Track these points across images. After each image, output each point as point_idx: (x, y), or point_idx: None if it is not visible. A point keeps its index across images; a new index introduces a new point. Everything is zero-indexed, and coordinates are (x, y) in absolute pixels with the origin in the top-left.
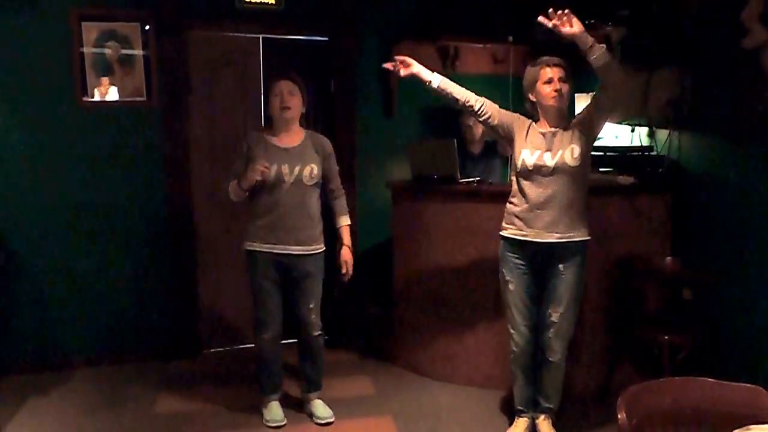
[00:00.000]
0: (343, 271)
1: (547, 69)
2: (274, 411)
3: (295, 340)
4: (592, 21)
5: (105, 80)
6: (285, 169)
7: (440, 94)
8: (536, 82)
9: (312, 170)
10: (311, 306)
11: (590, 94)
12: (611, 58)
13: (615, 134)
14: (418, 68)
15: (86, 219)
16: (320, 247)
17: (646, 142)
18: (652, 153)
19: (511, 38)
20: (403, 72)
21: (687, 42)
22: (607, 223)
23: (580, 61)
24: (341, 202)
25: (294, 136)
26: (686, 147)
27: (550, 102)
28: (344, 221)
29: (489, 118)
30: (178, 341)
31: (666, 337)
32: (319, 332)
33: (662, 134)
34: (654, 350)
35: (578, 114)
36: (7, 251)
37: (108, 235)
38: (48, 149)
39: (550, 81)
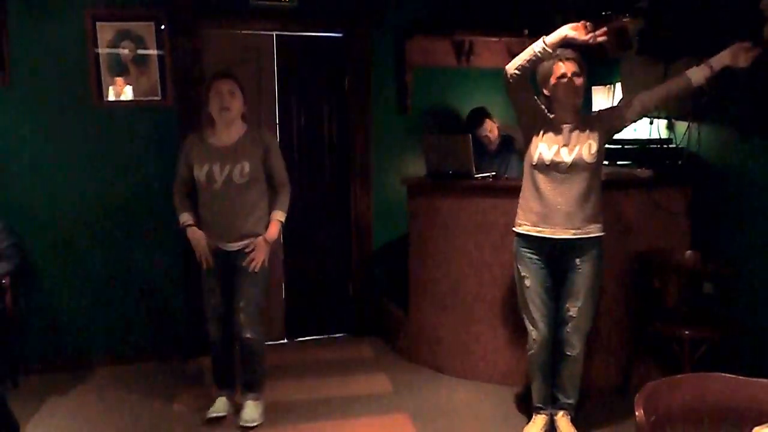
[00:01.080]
0: (247, 251)
1: (561, 64)
2: (216, 405)
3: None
4: (609, 12)
5: (120, 80)
6: (216, 169)
7: (539, 61)
8: (550, 76)
9: (243, 168)
10: (241, 305)
11: (608, 86)
12: (695, 86)
13: (633, 127)
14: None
15: (102, 218)
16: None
17: (664, 134)
18: (671, 145)
19: (526, 31)
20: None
21: (706, 32)
22: (625, 217)
23: (594, 55)
24: (281, 198)
25: (233, 134)
26: (706, 139)
27: (563, 98)
28: (276, 215)
29: (534, 100)
30: (195, 340)
31: (686, 332)
32: (251, 335)
33: (681, 126)
34: (674, 345)
35: (600, 111)
36: (24, 252)
37: (124, 234)
38: (63, 149)
39: (563, 76)
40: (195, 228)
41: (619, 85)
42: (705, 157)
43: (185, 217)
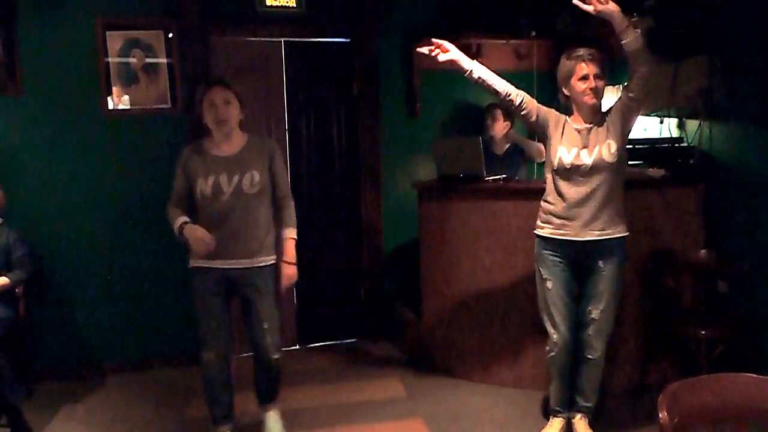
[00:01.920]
0: (282, 285)
1: (583, 65)
2: None
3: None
4: None
5: (115, 89)
6: (223, 179)
7: (480, 85)
8: (571, 77)
9: (253, 177)
10: (265, 326)
11: (618, 86)
12: (644, 44)
13: (643, 126)
14: (457, 54)
15: (113, 226)
16: (268, 260)
17: (675, 133)
18: (682, 144)
19: (534, 33)
20: (441, 57)
21: (716, 31)
22: (638, 217)
23: (608, 54)
24: (288, 212)
25: (234, 143)
26: (717, 137)
27: (585, 99)
28: (289, 233)
29: (528, 113)
30: (194, 345)
31: (702, 332)
32: (277, 355)
33: (692, 125)
34: (690, 345)
35: (610, 107)
36: (37, 260)
37: (135, 242)
38: (75, 158)
39: (585, 78)
40: (193, 225)
41: None
42: (717, 156)
43: (180, 220)
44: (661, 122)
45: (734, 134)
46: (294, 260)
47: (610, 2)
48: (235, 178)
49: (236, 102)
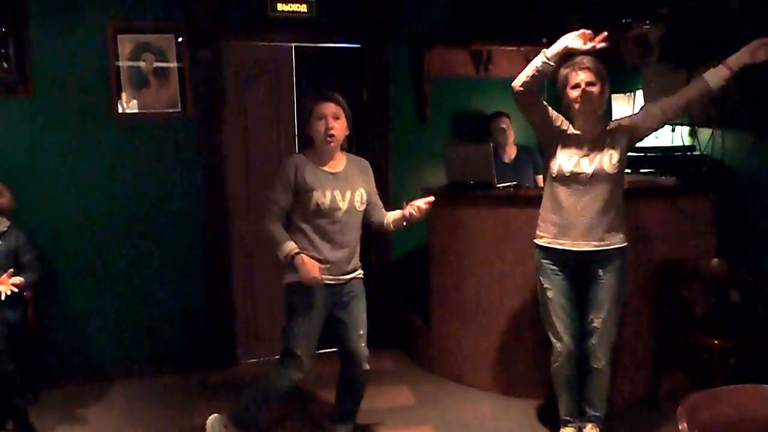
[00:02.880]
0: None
1: (574, 73)
2: None
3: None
4: (629, 20)
5: (126, 93)
6: (338, 195)
7: (543, 75)
8: (566, 86)
9: (362, 195)
10: (361, 332)
11: (629, 94)
12: (715, 90)
13: (655, 134)
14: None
15: (122, 230)
16: (361, 272)
17: (687, 141)
18: (694, 152)
19: (544, 39)
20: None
21: (729, 38)
22: (650, 226)
23: (615, 62)
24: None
25: (339, 160)
26: (730, 146)
27: (576, 107)
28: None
29: (546, 111)
30: (216, 352)
31: (715, 342)
32: (368, 367)
33: (704, 133)
34: (703, 356)
35: (621, 119)
36: (45, 264)
37: (145, 246)
38: (85, 161)
39: (577, 86)
40: (305, 256)
41: (639, 93)
42: (729, 164)
43: (290, 246)
44: (673, 130)
45: (747, 143)
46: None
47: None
48: (348, 195)
49: (344, 118)
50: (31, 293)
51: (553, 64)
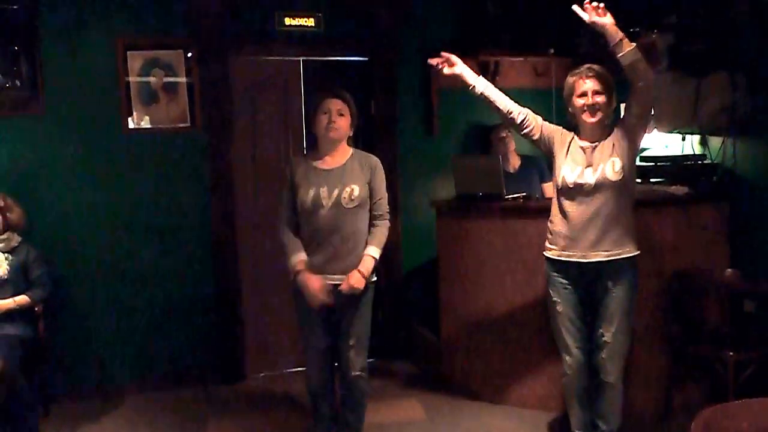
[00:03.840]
0: (342, 286)
1: (581, 81)
2: None
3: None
4: (637, 29)
5: (136, 109)
6: (323, 192)
7: (483, 101)
8: (573, 93)
9: (352, 192)
10: (351, 343)
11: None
12: (639, 57)
13: (665, 143)
14: (461, 69)
15: (133, 245)
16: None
17: (698, 150)
18: (705, 161)
19: (552, 50)
20: (446, 71)
21: (738, 46)
22: (662, 236)
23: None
24: (378, 230)
25: (339, 157)
26: (742, 154)
27: (583, 117)
28: (370, 251)
29: (531, 131)
30: (225, 366)
31: (730, 354)
32: (359, 372)
33: (715, 142)
34: (717, 368)
35: (615, 124)
36: (56, 279)
37: (154, 261)
38: (96, 176)
39: (584, 94)
40: (309, 274)
41: None
42: (741, 173)
43: (296, 261)
44: (683, 139)
45: (759, 151)
46: (366, 272)
47: (607, 14)
48: (335, 192)
49: (349, 116)
50: (42, 308)
51: (475, 89)
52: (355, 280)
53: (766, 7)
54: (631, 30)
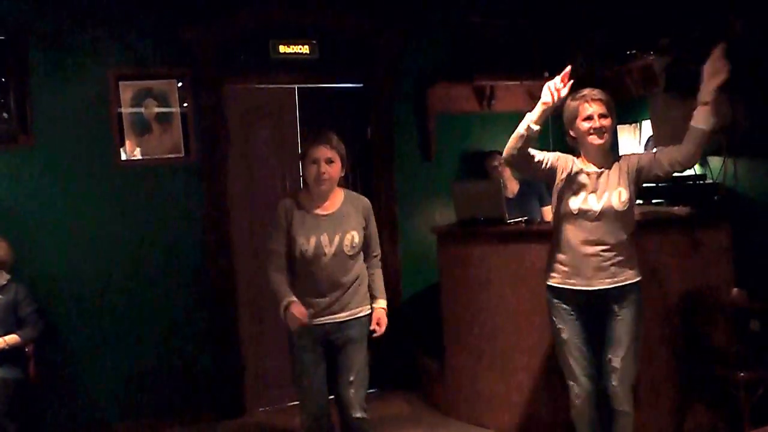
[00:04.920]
0: (375, 328)
1: (586, 105)
2: None
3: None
4: (634, 51)
5: (129, 139)
6: (324, 239)
7: (530, 139)
8: (576, 118)
9: (353, 238)
10: (351, 379)
11: (634, 125)
12: (707, 132)
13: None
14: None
15: (126, 280)
16: (363, 310)
17: (698, 170)
18: (705, 181)
19: (547, 74)
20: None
21: (736, 67)
22: (665, 257)
23: (622, 94)
24: (378, 277)
25: (333, 201)
26: (743, 174)
27: (590, 140)
28: (380, 304)
29: (542, 162)
30: (223, 401)
31: (741, 374)
32: (361, 414)
33: (715, 162)
34: (728, 389)
35: (631, 157)
36: (46, 317)
37: (148, 293)
38: (87, 209)
39: (590, 118)
40: (298, 303)
41: (646, 123)
42: (743, 192)
43: (285, 301)
44: None
45: (759, 171)
46: (385, 318)
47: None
48: (337, 238)
49: (339, 160)
50: (33, 348)
51: (540, 126)
52: (382, 320)
53: (762, 28)
54: (628, 52)
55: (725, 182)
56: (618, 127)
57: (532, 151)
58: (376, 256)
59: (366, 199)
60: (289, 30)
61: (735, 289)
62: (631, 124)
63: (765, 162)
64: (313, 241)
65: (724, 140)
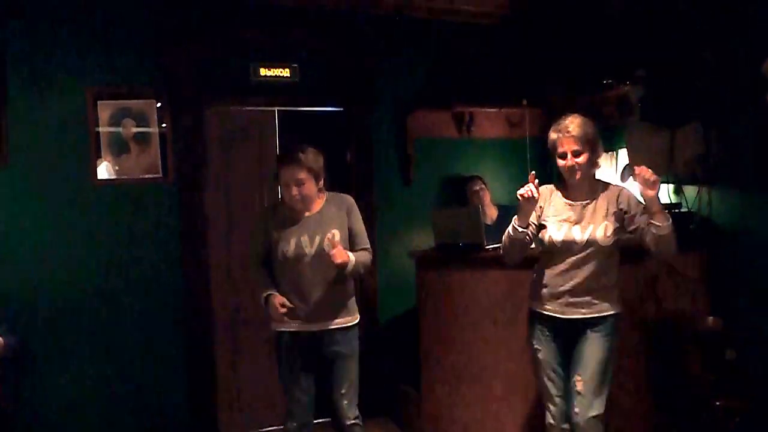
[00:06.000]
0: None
1: (563, 140)
2: None
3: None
4: (610, 81)
5: (106, 159)
6: (305, 240)
7: (523, 234)
8: (554, 151)
9: (334, 236)
10: (343, 391)
11: (612, 153)
12: (668, 234)
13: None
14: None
15: (99, 298)
16: (351, 320)
17: (674, 199)
18: (681, 210)
19: (525, 101)
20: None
21: (709, 98)
22: (642, 284)
23: (598, 123)
24: (361, 252)
25: (313, 206)
26: (717, 202)
27: (566, 176)
28: (351, 255)
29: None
30: (198, 426)
31: (717, 403)
32: (354, 421)
33: (690, 191)
34: (704, 416)
35: (623, 196)
36: (18, 338)
37: (122, 314)
38: (63, 230)
39: (563, 155)
40: (278, 295)
41: (622, 152)
42: (717, 221)
43: (266, 291)
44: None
45: (734, 199)
46: (347, 255)
47: (655, 188)
48: (317, 239)
49: (311, 178)
50: (2, 370)
51: (525, 227)
52: (339, 254)
53: (734, 59)
54: (604, 81)
55: (700, 211)
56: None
57: (526, 240)
58: (365, 249)
59: (348, 197)
60: (270, 53)
61: (710, 318)
62: (607, 152)
63: (739, 191)
64: (293, 242)
65: (699, 169)
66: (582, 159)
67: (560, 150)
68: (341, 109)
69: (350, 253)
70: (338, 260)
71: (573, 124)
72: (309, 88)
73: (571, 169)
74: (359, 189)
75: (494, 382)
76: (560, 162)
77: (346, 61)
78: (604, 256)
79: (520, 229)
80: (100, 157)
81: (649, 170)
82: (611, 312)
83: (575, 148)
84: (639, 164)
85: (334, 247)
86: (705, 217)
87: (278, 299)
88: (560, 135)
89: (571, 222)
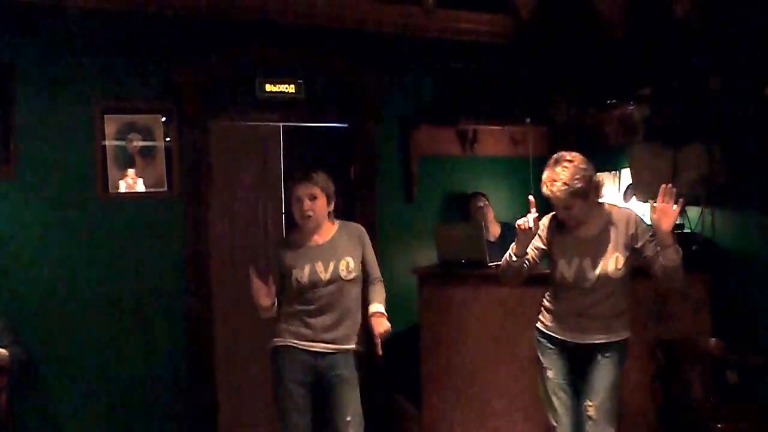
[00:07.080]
0: (377, 337)
1: (552, 199)
2: None
3: None
4: (614, 101)
5: (131, 171)
6: (319, 267)
7: (525, 264)
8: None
9: (348, 264)
10: (348, 419)
11: (614, 173)
12: (678, 266)
13: (643, 213)
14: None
15: (104, 311)
16: (353, 345)
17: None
18: (684, 231)
19: (528, 119)
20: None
21: (713, 118)
22: (644, 306)
23: (601, 142)
24: (379, 288)
25: (325, 233)
26: (721, 224)
27: (563, 218)
28: (379, 308)
29: (538, 255)
30: None
31: (719, 426)
32: None
33: (693, 211)
34: None
35: (632, 223)
36: (25, 347)
37: (126, 328)
38: (69, 243)
39: (557, 208)
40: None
41: (625, 171)
42: (721, 242)
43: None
44: None
45: (738, 221)
46: (385, 313)
47: (673, 222)
48: (331, 265)
49: (323, 196)
50: (6, 380)
51: (521, 257)
52: (383, 325)
53: (738, 80)
54: (608, 101)
55: (703, 232)
56: (598, 174)
57: (523, 268)
58: (378, 278)
59: (360, 226)
60: (276, 69)
61: (712, 340)
62: (610, 171)
63: (742, 213)
64: (307, 269)
65: (702, 191)
66: (575, 210)
67: (551, 199)
68: (345, 125)
69: (383, 316)
70: (383, 331)
71: (556, 185)
72: (314, 104)
73: (566, 219)
74: (362, 205)
75: (495, 399)
76: (556, 210)
77: (351, 78)
78: (617, 286)
79: (515, 258)
80: (107, 171)
81: (671, 206)
82: (622, 337)
83: (564, 204)
84: (655, 194)
85: (377, 331)
86: (708, 238)
87: (257, 285)
88: (547, 183)
89: (580, 257)
